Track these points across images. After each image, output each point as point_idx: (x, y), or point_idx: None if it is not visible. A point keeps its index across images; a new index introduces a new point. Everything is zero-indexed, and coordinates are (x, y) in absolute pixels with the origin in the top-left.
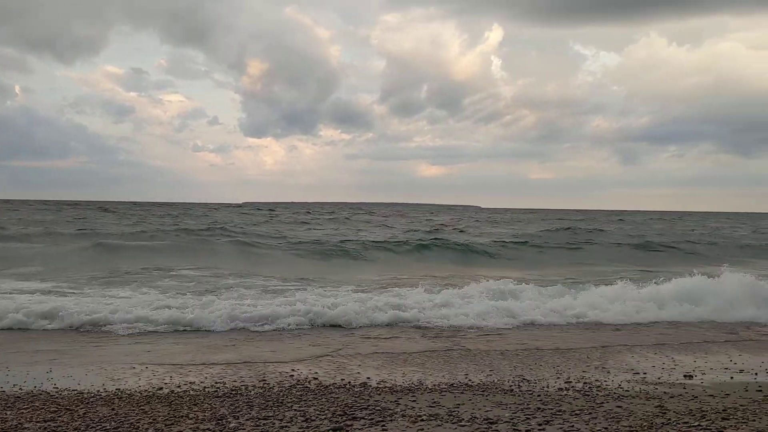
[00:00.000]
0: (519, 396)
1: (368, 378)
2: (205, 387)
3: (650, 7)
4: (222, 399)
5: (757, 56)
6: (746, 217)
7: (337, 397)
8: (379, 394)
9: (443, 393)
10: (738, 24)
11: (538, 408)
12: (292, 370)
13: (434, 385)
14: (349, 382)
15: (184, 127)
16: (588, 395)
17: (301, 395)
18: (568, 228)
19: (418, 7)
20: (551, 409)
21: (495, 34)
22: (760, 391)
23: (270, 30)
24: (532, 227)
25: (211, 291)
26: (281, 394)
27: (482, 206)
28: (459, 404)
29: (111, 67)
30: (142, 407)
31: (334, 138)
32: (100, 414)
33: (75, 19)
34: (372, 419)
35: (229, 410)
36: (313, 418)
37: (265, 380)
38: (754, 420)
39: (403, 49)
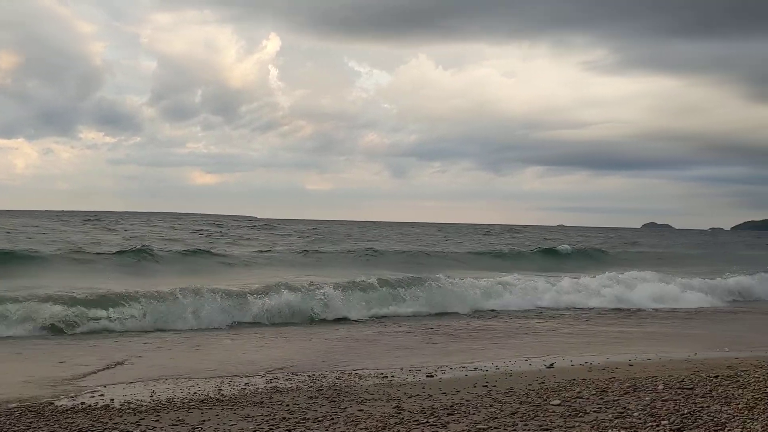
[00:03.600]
0: (269, 407)
1: (112, 399)
2: None
3: (418, 30)
4: None
5: (508, 83)
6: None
7: (73, 422)
8: (121, 416)
9: (191, 410)
10: (492, 52)
11: (284, 418)
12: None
13: (183, 402)
14: (90, 405)
15: None
16: (335, 401)
17: (31, 422)
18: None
19: (192, 8)
20: (296, 417)
21: (272, 43)
22: (486, 386)
23: (22, 19)
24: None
25: None
26: (8, 424)
27: (258, 216)
28: (204, 420)
29: None
30: None
31: (97, 141)
32: None
33: None
34: None
35: None
36: None
37: None
38: (474, 414)
39: (176, 51)
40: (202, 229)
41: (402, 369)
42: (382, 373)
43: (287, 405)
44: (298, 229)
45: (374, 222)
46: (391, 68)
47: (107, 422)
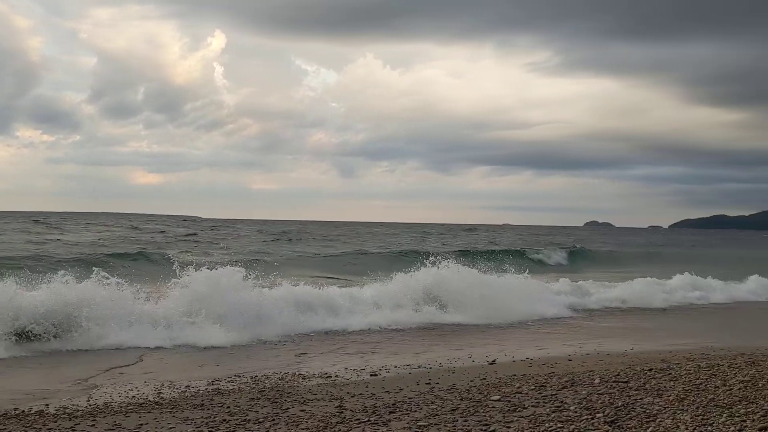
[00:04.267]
0: (209, 409)
1: (47, 404)
2: None
3: (366, 30)
4: None
5: (455, 83)
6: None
7: (4, 429)
8: (56, 422)
9: (128, 414)
10: (440, 53)
11: (224, 420)
12: None
13: (121, 406)
14: (23, 411)
15: None
16: (277, 402)
17: None
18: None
19: (134, 3)
20: (237, 419)
21: (217, 40)
22: (429, 383)
23: None
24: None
25: None
26: None
27: (203, 216)
28: (142, 424)
29: None
30: None
31: (34, 139)
32: None
33: None
34: None
35: None
36: None
37: None
38: (415, 411)
39: (118, 47)
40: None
41: (347, 369)
42: (326, 373)
43: (228, 407)
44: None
45: (323, 222)
46: (338, 67)
47: (41, 428)
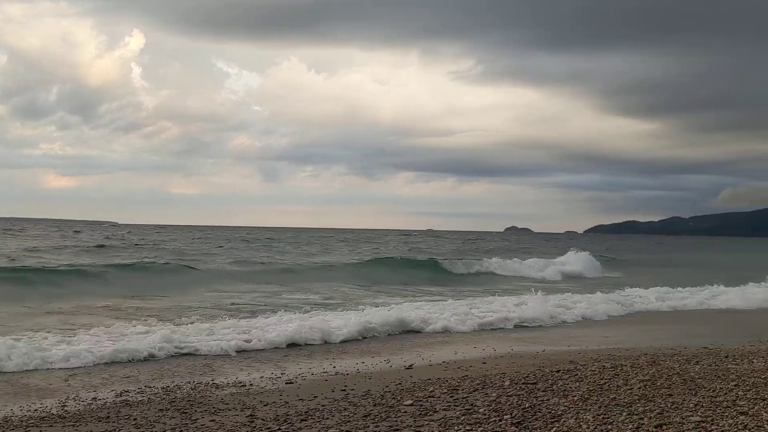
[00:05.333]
0: (114, 422)
1: None
2: None
3: (290, 33)
4: None
5: (380, 89)
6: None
7: None
8: None
9: (29, 428)
10: (365, 58)
11: None
12: None
13: (21, 421)
14: None
15: None
16: (186, 413)
17: None
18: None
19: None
20: None
21: (136, 40)
22: (344, 390)
23: None
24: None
25: None
26: None
27: (120, 222)
28: None
29: None
30: None
31: None
32: None
33: None
34: None
35: None
36: None
37: None
38: (327, 418)
39: (30, 45)
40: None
41: (262, 377)
42: (241, 382)
43: (135, 419)
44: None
45: (245, 227)
46: (261, 70)
47: None
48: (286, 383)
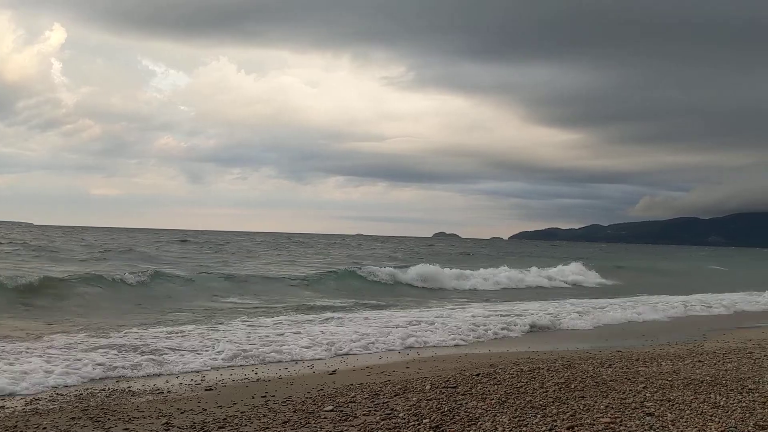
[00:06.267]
0: None
1: None
2: None
3: (220, 33)
4: None
5: (311, 92)
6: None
7: None
8: None
9: None
10: (296, 60)
11: None
12: None
13: None
14: None
15: None
16: (99, 421)
17: None
18: None
19: None
20: None
21: (57, 34)
22: (265, 396)
23: None
24: None
25: None
26: None
27: (35, 223)
28: None
29: None
30: None
31: None
32: None
33: None
34: None
35: None
36: None
37: None
38: (245, 426)
39: None
40: None
41: (181, 384)
42: (158, 389)
43: (44, 428)
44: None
45: (169, 230)
46: (189, 69)
47: None
48: (206, 390)
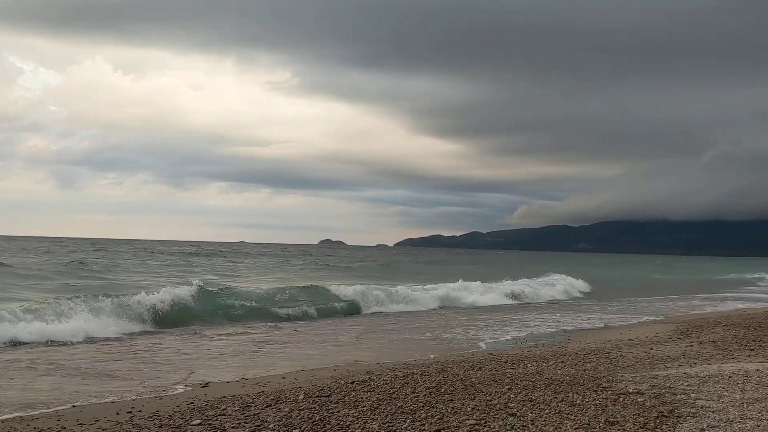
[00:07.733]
0: None
1: None
2: None
3: (95, 31)
4: None
5: (193, 95)
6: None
7: None
8: None
9: None
10: (177, 62)
11: None
12: None
13: None
14: None
15: None
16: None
17: None
18: None
19: None
20: None
21: None
22: (130, 412)
23: None
24: None
25: None
26: None
27: None
28: None
29: None
30: None
31: None
32: None
33: None
34: None
35: None
36: None
37: None
38: None
39: None
40: None
41: (43, 403)
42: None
43: None
44: None
45: (37, 237)
46: (61, 68)
47: None
48: (72, 406)
